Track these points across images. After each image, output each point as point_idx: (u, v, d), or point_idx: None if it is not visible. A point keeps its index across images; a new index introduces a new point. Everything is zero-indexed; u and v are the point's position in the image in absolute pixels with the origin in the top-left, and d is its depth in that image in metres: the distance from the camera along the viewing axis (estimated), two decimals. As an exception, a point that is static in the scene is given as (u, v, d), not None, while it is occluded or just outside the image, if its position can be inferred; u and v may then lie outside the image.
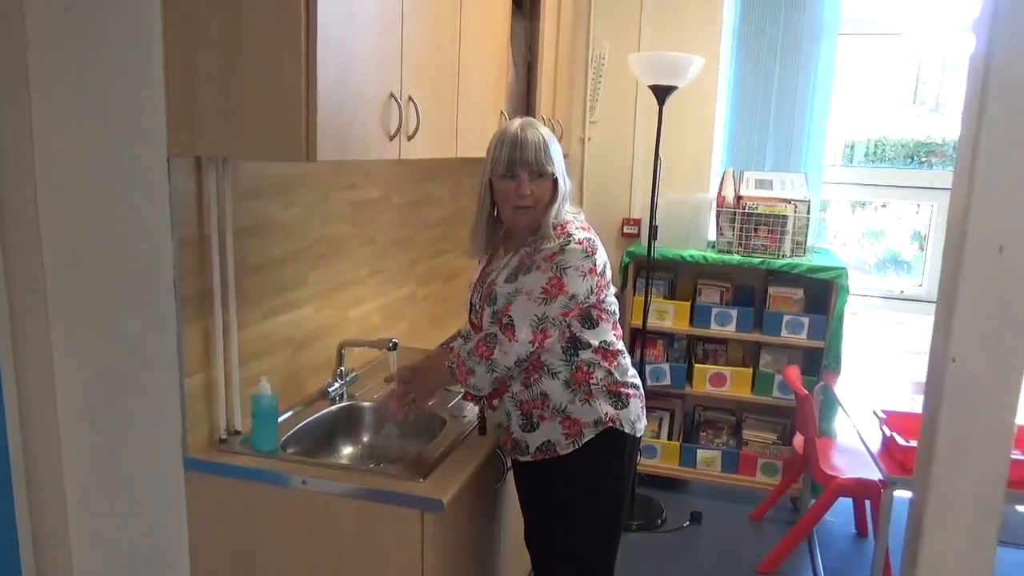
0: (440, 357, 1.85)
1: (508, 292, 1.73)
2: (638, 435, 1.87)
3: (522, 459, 1.85)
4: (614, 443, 1.80)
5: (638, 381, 1.88)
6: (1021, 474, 2.31)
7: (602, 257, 1.77)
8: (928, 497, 1.37)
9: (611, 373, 1.80)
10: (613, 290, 1.85)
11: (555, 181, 1.77)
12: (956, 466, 1.34)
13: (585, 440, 1.77)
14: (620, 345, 1.85)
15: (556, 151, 1.78)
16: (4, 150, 1.62)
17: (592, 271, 1.72)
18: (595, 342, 1.78)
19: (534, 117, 3.06)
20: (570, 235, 1.73)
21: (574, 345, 1.76)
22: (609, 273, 1.81)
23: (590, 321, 1.77)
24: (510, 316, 1.69)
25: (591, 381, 1.77)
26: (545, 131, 1.79)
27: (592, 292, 1.73)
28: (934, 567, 1.39)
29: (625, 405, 1.81)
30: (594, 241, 1.76)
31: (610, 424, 1.78)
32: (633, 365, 3.48)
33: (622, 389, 1.81)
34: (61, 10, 1.59)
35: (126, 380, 1.74)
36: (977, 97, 1.30)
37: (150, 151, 1.62)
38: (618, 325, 1.86)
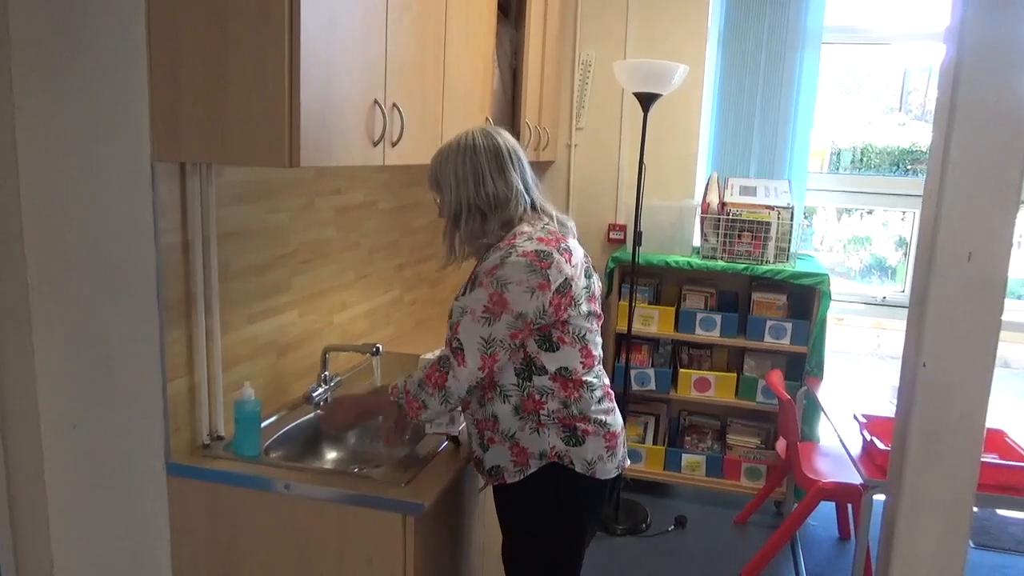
0: (383, 391, 1.73)
1: (459, 308, 1.62)
2: (600, 477, 1.68)
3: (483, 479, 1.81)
4: (559, 480, 1.67)
5: (610, 419, 1.70)
6: (997, 478, 2.35)
7: (562, 273, 1.58)
8: (900, 499, 1.39)
9: (567, 406, 1.64)
10: (588, 310, 1.66)
11: (456, 201, 1.67)
12: (927, 469, 1.36)
13: (531, 471, 1.67)
14: (589, 376, 1.67)
15: (451, 170, 1.66)
16: (-13, 155, 1.63)
17: (544, 287, 1.55)
18: (552, 368, 1.63)
19: (519, 124, 3.09)
20: (514, 247, 1.58)
21: (528, 368, 1.63)
22: (581, 291, 1.64)
23: (549, 343, 1.61)
24: (459, 339, 1.58)
25: (541, 412, 1.64)
26: (454, 148, 1.67)
27: (544, 312, 1.57)
28: (907, 567, 1.41)
29: (579, 442, 1.65)
30: (550, 255, 1.57)
31: (555, 459, 1.65)
32: (617, 370, 3.44)
33: (579, 424, 1.65)
34: (45, 17, 1.60)
35: (109, 384, 1.74)
36: (947, 106, 1.33)
37: (134, 156, 1.63)
38: (592, 353, 1.68)
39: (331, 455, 2.16)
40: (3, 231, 1.68)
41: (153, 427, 1.74)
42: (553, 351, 1.63)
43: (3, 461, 1.75)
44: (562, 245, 1.63)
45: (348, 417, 1.85)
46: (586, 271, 1.69)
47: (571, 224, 1.77)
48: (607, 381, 1.77)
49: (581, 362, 1.66)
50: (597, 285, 1.73)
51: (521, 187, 1.69)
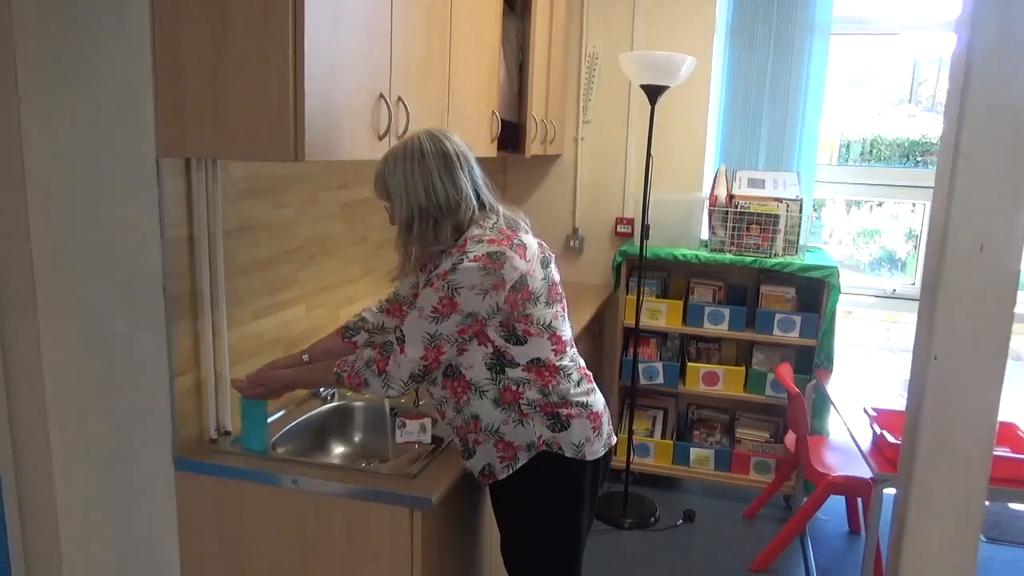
0: (324, 366, 1.75)
1: (408, 308, 1.63)
2: (588, 459, 1.70)
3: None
4: (553, 467, 1.68)
5: (591, 399, 1.73)
6: (1009, 471, 2.33)
7: (517, 271, 1.58)
8: (911, 493, 1.38)
9: (546, 394, 1.66)
10: (549, 299, 1.67)
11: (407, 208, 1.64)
12: (938, 463, 1.35)
13: (520, 464, 1.69)
14: (564, 361, 1.69)
15: (400, 176, 1.62)
16: (-7, 151, 1.63)
17: (498, 287, 1.57)
18: (523, 360, 1.64)
19: (525, 117, 3.07)
20: (465, 253, 1.58)
21: (499, 361, 1.64)
22: (539, 284, 1.64)
23: (515, 337, 1.63)
24: (402, 331, 1.61)
25: (521, 401, 1.65)
26: (401, 154, 1.63)
27: (498, 310, 1.59)
28: (917, 562, 1.40)
29: (565, 427, 1.67)
30: (502, 255, 1.57)
31: (544, 448, 1.67)
32: (625, 364, 3.44)
33: (561, 410, 1.67)
34: (49, 14, 1.60)
35: (116, 380, 1.75)
36: (958, 96, 1.32)
37: (139, 152, 1.63)
38: (562, 339, 1.70)
39: (338, 450, 2.16)
40: (10, 228, 1.68)
41: (160, 422, 1.75)
42: (521, 344, 1.64)
43: (12, 458, 1.76)
44: (515, 241, 1.62)
45: (269, 389, 1.80)
46: (543, 261, 1.68)
47: (523, 220, 1.73)
48: (582, 363, 1.78)
49: (552, 349, 1.67)
50: (555, 272, 1.72)
51: (470, 191, 1.66)
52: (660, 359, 3.58)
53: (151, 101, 1.59)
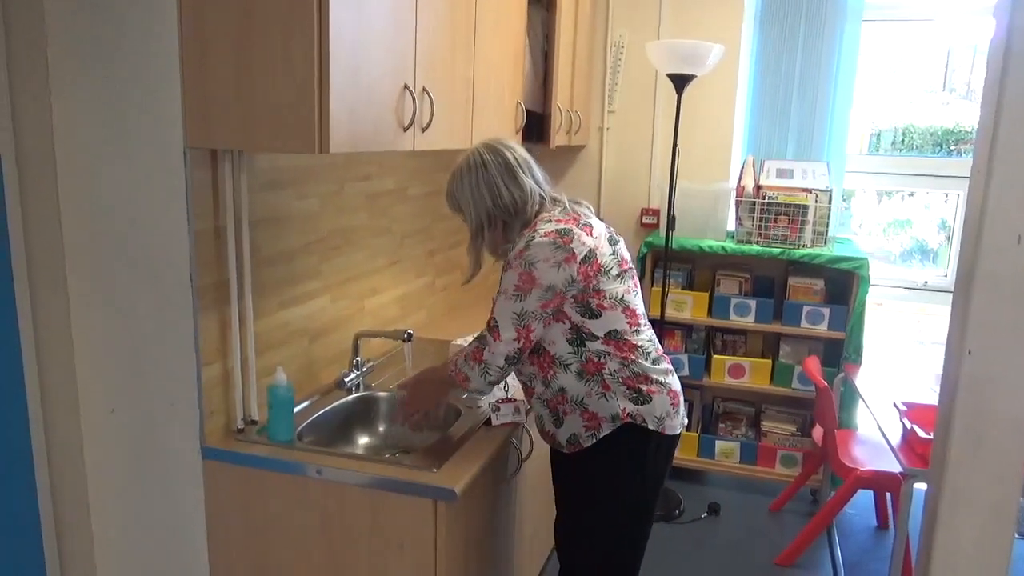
0: (442, 367, 1.84)
1: (495, 296, 1.75)
2: (668, 433, 1.78)
3: (562, 451, 1.85)
4: (635, 439, 1.75)
5: (669, 379, 1.80)
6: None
7: (585, 245, 1.69)
8: (943, 490, 1.35)
9: (627, 365, 1.73)
10: (620, 272, 1.75)
11: (476, 216, 1.80)
12: (971, 459, 1.32)
13: (603, 434, 1.75)
14: (639, 339, 1.76)
15: (467, 190, 1.78)
16: (26, 144, 1.66)
17: (569, 259, 1.66)
18: (600, 332, 1.72)
19: (550, 107, 3.05)
20: (536, 231, 1.71)
21: (578, 335, 1.72)
22: (608, 259, 1.73)
23: (590, 311, 1.71)
24: (495, 318, 1.71)
25: (604, 371, 1.73)
26: (465, 169, 1.79)
27: (573, 282, 1.68)
28: (949, 559, 1.37)
29: (647, 400, 1.74)
30: (570, 231, 1.69)
31: (628, 420, 1.74)
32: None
33: (641, 385, 1.74)
34: (80, 7, 1.61)
35: (145, 369, 1.77)
36: (996, 84, 1.28)
37: (167, 143, 1.64)
38: (636, 314, 1.77)
39: (363, 440, 2.17)
40: (42, 219, 1.70)
41: (188, 411, 1.77)
42: (596, 317, 1.72)
43: (45, 444, 1.79)
44: (581, 221, 1.75)
45: (433, 395, 1.90)
46: (610, 239, 1.79)
47: (586, 207, 1.85)
48: (659, 345, 1.85)
49: (627, 322, 1.75)
50: (624, 250, 1.82)
51: (535, 189, 1.80)
52: (685, 351, 3.55)
53: (178, 92, 1.60)
